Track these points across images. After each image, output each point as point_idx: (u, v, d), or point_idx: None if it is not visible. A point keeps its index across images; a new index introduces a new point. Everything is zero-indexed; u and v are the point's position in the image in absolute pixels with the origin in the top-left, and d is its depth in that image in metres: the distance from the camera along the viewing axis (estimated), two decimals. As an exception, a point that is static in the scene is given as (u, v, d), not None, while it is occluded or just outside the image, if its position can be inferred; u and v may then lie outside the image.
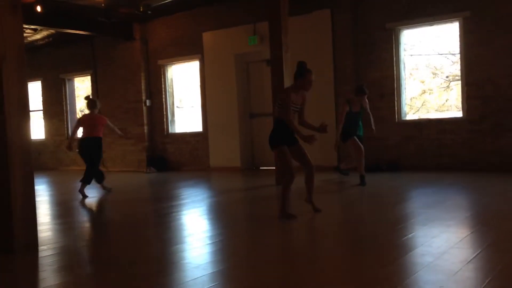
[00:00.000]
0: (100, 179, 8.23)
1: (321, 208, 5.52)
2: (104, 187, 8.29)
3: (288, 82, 8.02)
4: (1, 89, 4.24)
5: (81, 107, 19.00)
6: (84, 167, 8.04)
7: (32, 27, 11.06)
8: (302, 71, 5.26)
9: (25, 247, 4.33)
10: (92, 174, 8.05)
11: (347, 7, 9.43)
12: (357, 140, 7.64)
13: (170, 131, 12.25)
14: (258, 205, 6.34)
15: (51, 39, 12.95)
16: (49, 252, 4.46)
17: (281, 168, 5.09)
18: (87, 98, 8.38)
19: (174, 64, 12.15)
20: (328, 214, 5.78)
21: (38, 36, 12.67)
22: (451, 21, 8.69)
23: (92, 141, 7.99)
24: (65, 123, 14.14)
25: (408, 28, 9.11)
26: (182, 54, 11.73)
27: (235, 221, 5.61)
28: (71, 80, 14.23)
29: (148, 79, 12.37)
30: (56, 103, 14.25)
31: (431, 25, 8.94)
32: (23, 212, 4.33)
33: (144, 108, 12.30)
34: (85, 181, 7.93)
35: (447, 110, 12.61)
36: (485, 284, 2.88)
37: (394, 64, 9.14)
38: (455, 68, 9.33)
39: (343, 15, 9.47)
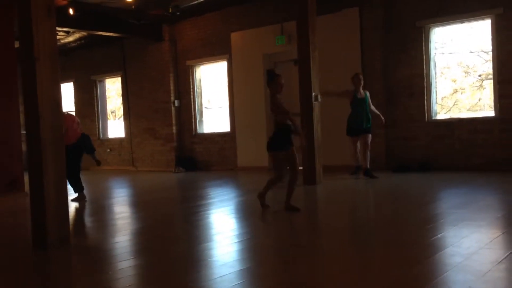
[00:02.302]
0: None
1: (300, 208, 5.76)
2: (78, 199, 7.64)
3: (316, 81, 8.02)
4: (35, 89, 4.37)
5: (112, 108, 19.35)
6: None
7: (65, 29, 11.32)
8: (272, 76, 5.67)
9: (58, 243, 4.44)
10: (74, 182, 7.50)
11: (376, 5, 9.33)
12: (357, 141, 8.40)
13: (198, 131, 12.37)
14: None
15: (83, 41, 13.24)
16: (81, 249, 4.57)
17: (278, 169, 5.84)
18: None
19: (202, 64, 12.26)
20: (357, 213, 5.75)
21: (70, 39, 12.96)
22: (483, 19, 8.51)
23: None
24: (96, 124, 14.41)
25: (438, 26, 8.97)
26: (210, 54, 11.82)
27: (262, 220, 5.63)
28: (102, 82, 14.51)
29: (177, 79, 12.51)
30: (88, 104, 14.55)
31: (462, 22, 8.78)
32: (56, 209, 4.45)
33: (173, 108, 12.44)
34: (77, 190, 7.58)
35: (480, 109, 12.33)
36: (516, 285, 2.83)
37: (424, 63, 9.01)
38: (488, 67, 9.12)
39: (372, 13, 9.38)
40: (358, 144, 8.48)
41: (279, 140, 5.62)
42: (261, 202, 5.99)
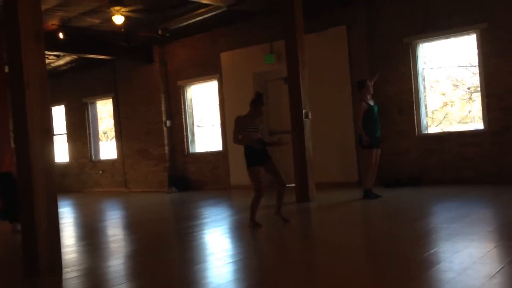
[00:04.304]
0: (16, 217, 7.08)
1: (289, 219, 6.19)
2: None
3: (306, 98, 8.07)
4: (25, 115, 4.37)
5: (104, 129, 19.31)
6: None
7: (55, 53, 11.36)
8: (257, 101, 5.93)
9: (50, 269, 4.40)
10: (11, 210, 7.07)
11: (363, 23, 9.46)
12: (374, 154, 7.55)
13: (190, 150, 12.37)
14: (279, 223, 6.33)
15: (73, 64, 13.29)
16: (74, 274, 4.53)
17: (253, 185, 6.01)
18: None
19: (193, 84, 12.32)
20: (351, 229, 5.75)
21: (61, 62, 13.01)
22: (468, 34, 8.65)
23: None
24: (88, 146, 14.38)
25: (425, 41, 9.09)
26: (201, 74, 11.88)
27: (256, 240, 5.61)
28: (93, 104, 14.51)
29: (168, 100, 12.55)
30: (80, 127, 14.53)
31: (447, 38, 8.91)
32: (47, 235, 4.41)
33: (165, 128, 12.46)
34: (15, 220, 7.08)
35: (470, 121, 12.45)
36: (508, 299, 2.84)
37: (412, 78, 9.11)
38: (476, 79, 9.24)
39: (359, 31, 9.51)
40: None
41: (249, 157, 5.89)
42: (253, 224, 6.01)
